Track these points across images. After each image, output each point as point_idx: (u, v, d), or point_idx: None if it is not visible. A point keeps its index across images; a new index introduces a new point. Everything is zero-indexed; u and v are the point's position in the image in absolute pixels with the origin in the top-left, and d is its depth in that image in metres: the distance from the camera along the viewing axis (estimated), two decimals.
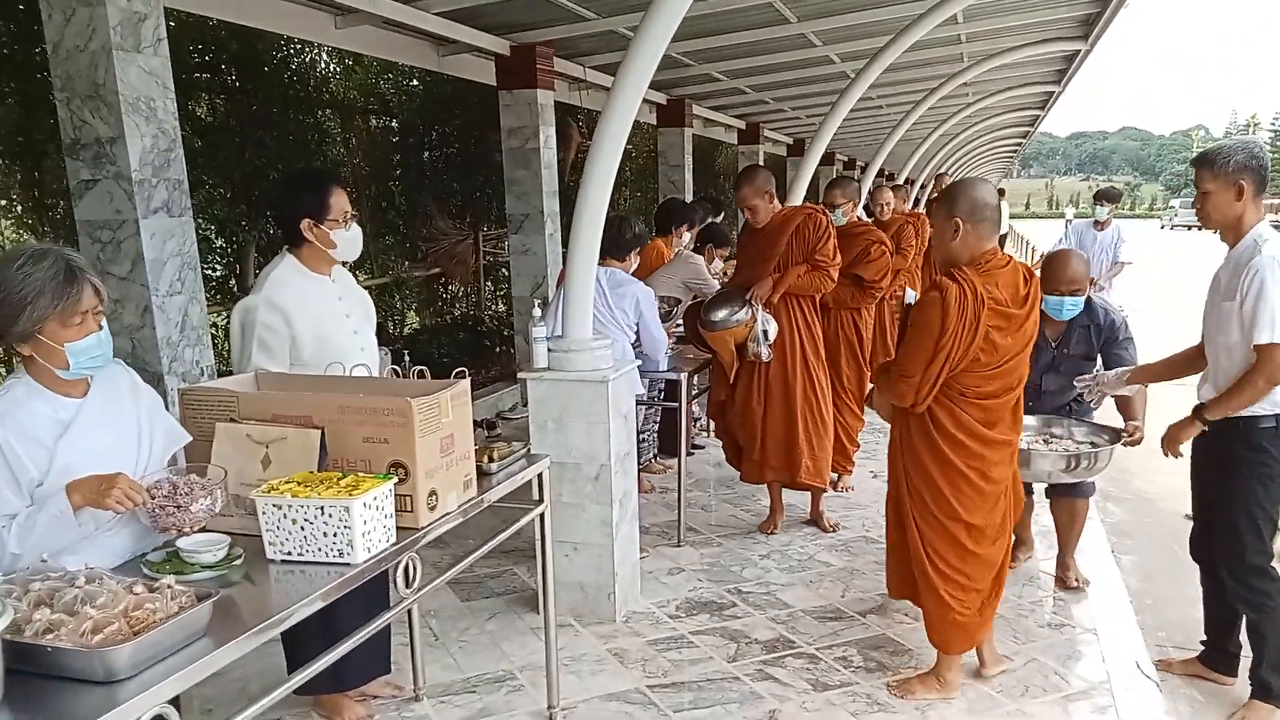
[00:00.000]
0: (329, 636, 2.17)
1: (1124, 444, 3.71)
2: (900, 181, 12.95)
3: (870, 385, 3.20)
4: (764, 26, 7.35)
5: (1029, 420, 3.73)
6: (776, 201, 4.73)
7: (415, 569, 2.34)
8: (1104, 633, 3.79)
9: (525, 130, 7.51)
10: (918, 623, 3.51)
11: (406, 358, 3.28)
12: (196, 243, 4.16)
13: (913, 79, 10.45)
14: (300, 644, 2.70)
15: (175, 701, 1.64)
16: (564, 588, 3.89)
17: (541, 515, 3.00)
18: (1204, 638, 3.49)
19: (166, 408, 2.39)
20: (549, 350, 3.83)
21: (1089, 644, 3.71)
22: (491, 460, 2.78)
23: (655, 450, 6.02)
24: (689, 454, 5.69)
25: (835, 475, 5.38)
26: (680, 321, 5.38)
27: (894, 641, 3.73)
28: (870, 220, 6.91)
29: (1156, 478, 5.90)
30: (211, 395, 2.40)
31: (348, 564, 2.06)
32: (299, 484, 2.12)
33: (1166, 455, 3.25)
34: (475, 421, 2.59)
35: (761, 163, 13.00)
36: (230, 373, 2.88)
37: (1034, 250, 21.62)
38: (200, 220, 7.15)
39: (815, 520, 5.07)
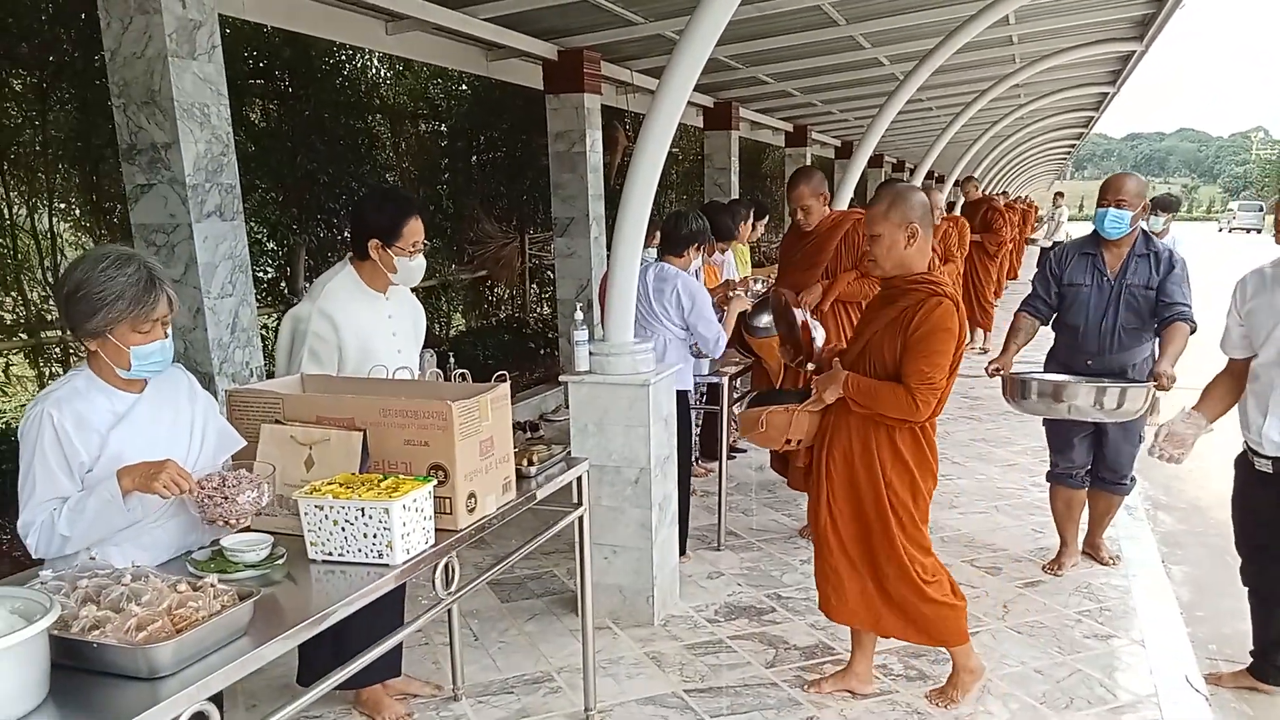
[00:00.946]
0: (338, 636, 2.18)
1: (1156, 388, 3.62)
2: (931, 182, 12.71)
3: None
4: (812, 29, 7.33)
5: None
6: (829, 205, 4.69)
7: (454, 570, 2.36)
8: (1152, 644, 3.71)
9: (571, 134, 7.55)
10: None
11: (451, 360, 3.31)
12: (248, 246, 4.25)
13: (963, 80, 10.33)
14: (309, 642, 2.73)
15: (217, 698, 1.67)
16: (603, 590, 3.90)
17: (580, 518, 3.02)
18: (1252, 648, 3.40)
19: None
20: (590, 354, 3.85)
21: (1136, 656, 3.63)
22: (531, 463, 2.79)
23: (697, 453, 6.00)
24: (730, 457, 5.67)
25: None
26: None
27: (934, 651, 3.67)
28: None
29: (1208, 483, 5.75)
30: (257, 397, 2.45)
31: (387, 565, 2.08)
32: (341, 485, 2.15)
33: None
34: (516, 423, 2.61)
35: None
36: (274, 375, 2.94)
37: None
38: (252, 223, 7.30)
39: None
